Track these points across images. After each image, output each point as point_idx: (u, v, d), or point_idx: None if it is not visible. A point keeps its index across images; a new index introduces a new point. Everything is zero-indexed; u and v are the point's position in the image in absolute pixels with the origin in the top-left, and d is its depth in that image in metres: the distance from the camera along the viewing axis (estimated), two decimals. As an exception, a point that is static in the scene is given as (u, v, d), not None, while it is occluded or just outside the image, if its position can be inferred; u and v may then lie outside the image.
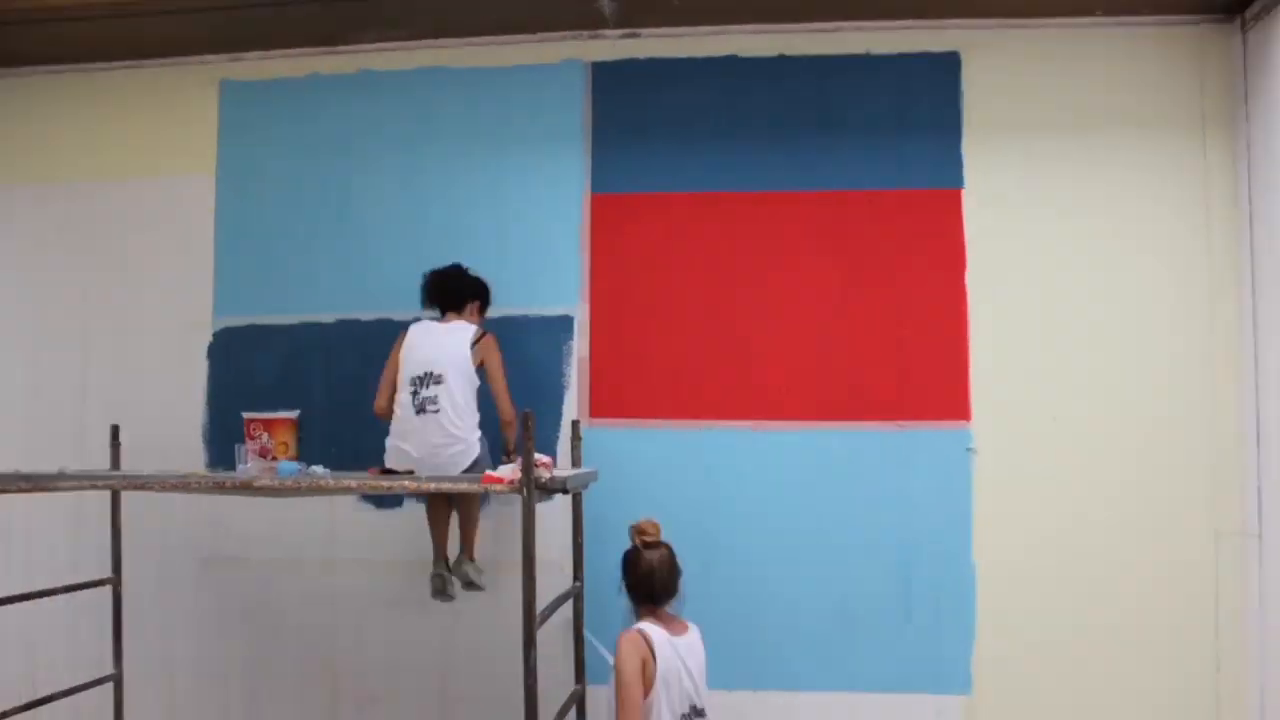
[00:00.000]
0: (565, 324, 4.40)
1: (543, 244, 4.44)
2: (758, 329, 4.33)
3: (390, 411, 3.88)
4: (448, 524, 4.12)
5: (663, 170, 4.42)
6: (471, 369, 3.85)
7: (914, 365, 4.25)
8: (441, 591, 4.07)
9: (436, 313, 4.08)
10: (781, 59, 4.40)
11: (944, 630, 4.13)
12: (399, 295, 4.45)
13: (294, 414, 3.82)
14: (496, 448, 3.98)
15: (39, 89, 4.77)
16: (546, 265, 4.43)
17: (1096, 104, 4.26)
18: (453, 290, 4.05)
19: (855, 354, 4.28)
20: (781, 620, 4.21)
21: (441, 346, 3.85)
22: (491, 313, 4.39)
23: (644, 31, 4.44)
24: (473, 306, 4.09)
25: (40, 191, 4.75)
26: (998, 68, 4.30)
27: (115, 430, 4.16)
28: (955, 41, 4.32)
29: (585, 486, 4.05)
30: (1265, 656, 3.94)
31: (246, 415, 3.80)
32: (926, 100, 4.33)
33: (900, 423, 4.23)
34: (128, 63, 4.70)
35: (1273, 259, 3.94)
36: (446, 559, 4.11)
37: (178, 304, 4.60)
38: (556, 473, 3.52)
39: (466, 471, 3.71)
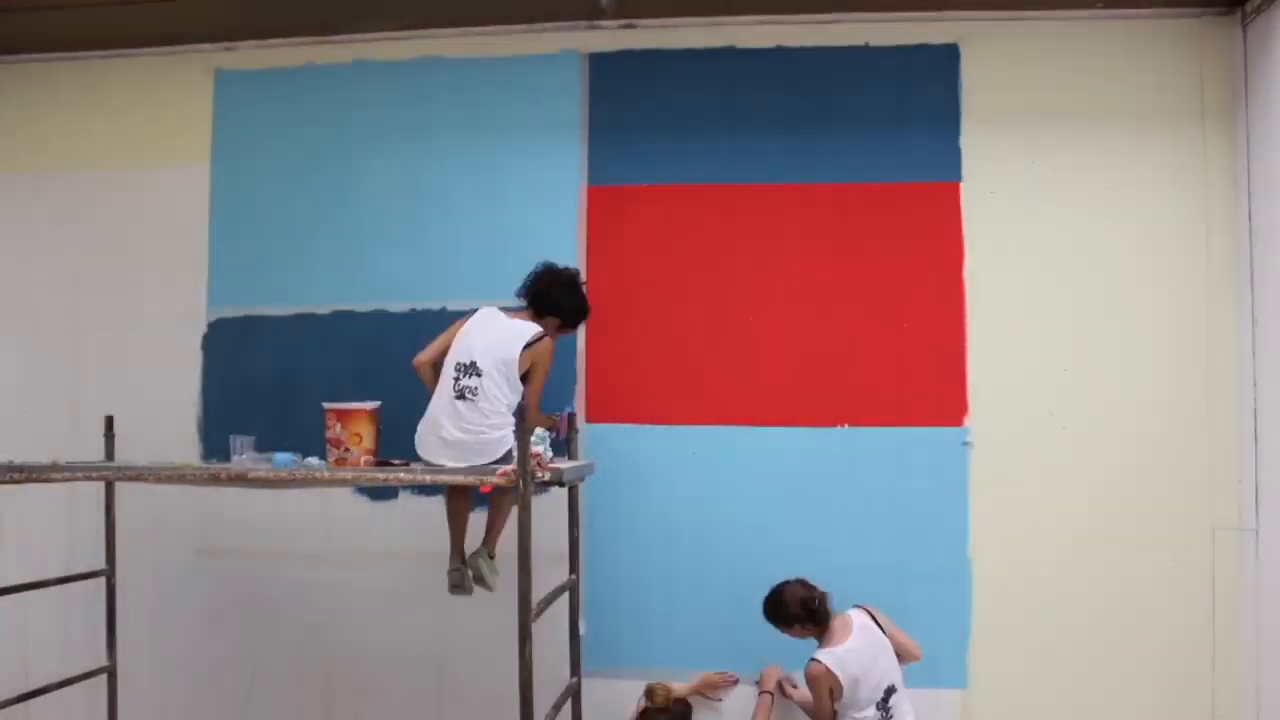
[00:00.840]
0: None
1: (540, 235, 4.41)
2: (755, 321, 4.31)
3: (428, 367, 3.80)
4: (466, 517, 4.01)
5: (660, 162, 4.40)
6: (515, 375, 3.70)
7: (911, 359, 4.24)
8: (459, 586, 3.94)
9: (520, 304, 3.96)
10: (780, 50, 4.38)
11: (940, 625, 4.13)
12: (394, 286, 4.45)
13: (372, 405, 3.69)
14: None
15: (32, 78, 4.74)
16: (543, 257, 4.37)
17: (1096, 97, 4.25)
18: (542, 295, 3.90)
19: (852, 347, 4.27)
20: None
21: (492, 344, 3.72)
22: (487, 304, 4.37)
23: (641, 22, 4.42)
24: (552, 321, 3.90)
25: (33, 181, 4.71)
26: (997, 60, 4.28)
27: (110, 421, 4.14)
28: (954, 33, 4.31)
29: (582, 479, 4.04)
30: (1261, 651, 3.94)
31: (326, 405, 3.70)
32: (925, 92, 4.31)
33: (897, 416, 4.22)
34: (121, 51, 4.66)
35: (1271, 253, 3.93)
36: (464, 553, 3.99)
37: (172, 295, 4.58)
38: (552, 465, 3.51)
39: (499, 460, 3.60)
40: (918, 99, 4.31)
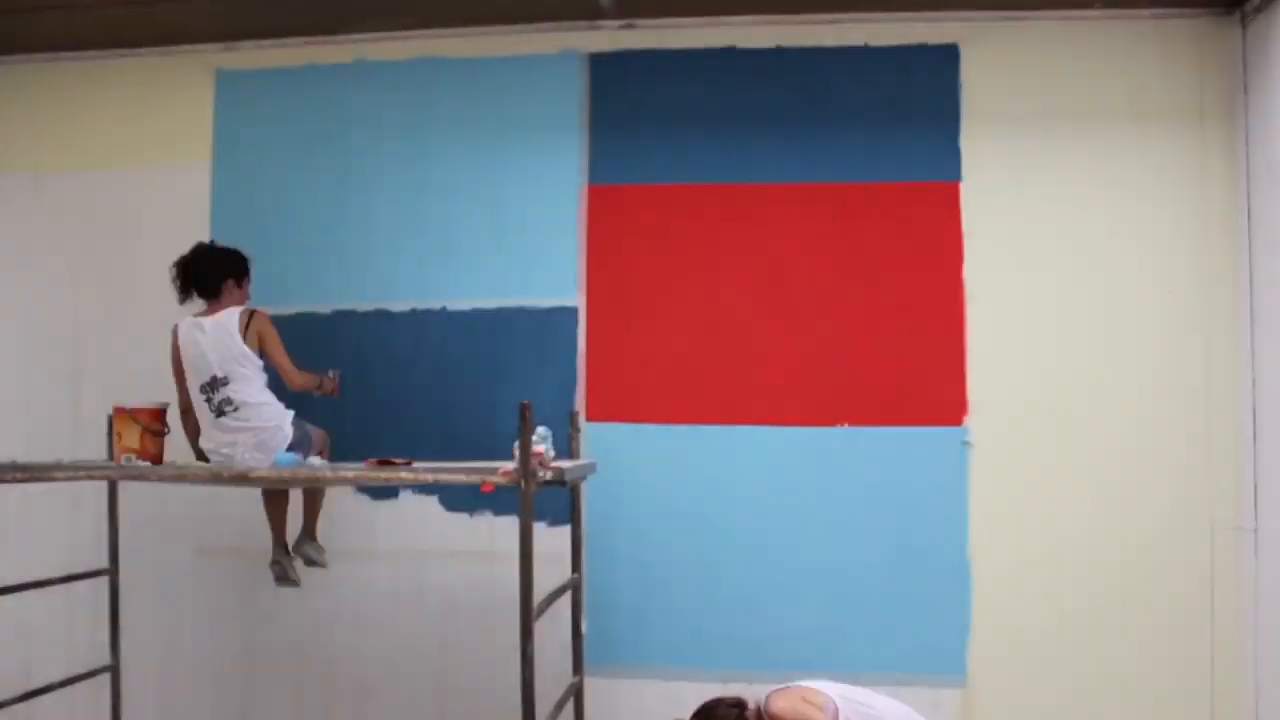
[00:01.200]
0: (568, 316, 4.39)
1: (540, 235, 4.43)
2: (755, 320, 4.32)
3: (192, 409, 3.78)
4: (285, 513, 4.08)
5: (660, 162, 4.41)
6: (252, 356, 3.69)
7: (911, 359, 4.25)
8: (284, 578, 4.03)
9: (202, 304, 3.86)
10: (779, 50, 4.38)
11: (940, 622, 4.14)
12: (396, 286, 4.46)
13: (136, 405, 3.69)
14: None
15: (33, 76, 4.74)
16: (544, 257, 4.42)
17: (1095, 97, 4.25)
18: (203, 275, 3.81)
19: (852, 347, 4.28)
20: (780, 613, 4.22)
21: (214, 346, 3.67)
22: (488, 303, 4.39)
23: (641, 22, 4.43)
24: (229, 285, 3.83)
25: (34, 180, 4.72)
26: (996, 60, 4.29)
27: (112, 419, 4.14)
28: (954, 34, 4.31)
29: (584, 478, 4.05)
30: (1259, 650, 3.95)
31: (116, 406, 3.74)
32: (925, 92, 4.32)
33: (897, 415, 4.23)
34: (122, 51, 4.67)
35: (1271, 253, 3.94)
36: (286, 544, 4.07)
37: (173, 294, 4.56)
38: (555, 464, 3.51)
39: (290, 451, 3.64)
40: (917, 99, 4.32)
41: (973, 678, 4.13)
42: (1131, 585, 4.10)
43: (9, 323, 4.70)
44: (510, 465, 3.30)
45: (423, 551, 4.19)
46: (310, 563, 4.07)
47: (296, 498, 4.10)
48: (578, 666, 4.07)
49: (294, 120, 4.59)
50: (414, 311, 4.45)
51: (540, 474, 3.32)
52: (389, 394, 4.39)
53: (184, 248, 4.52)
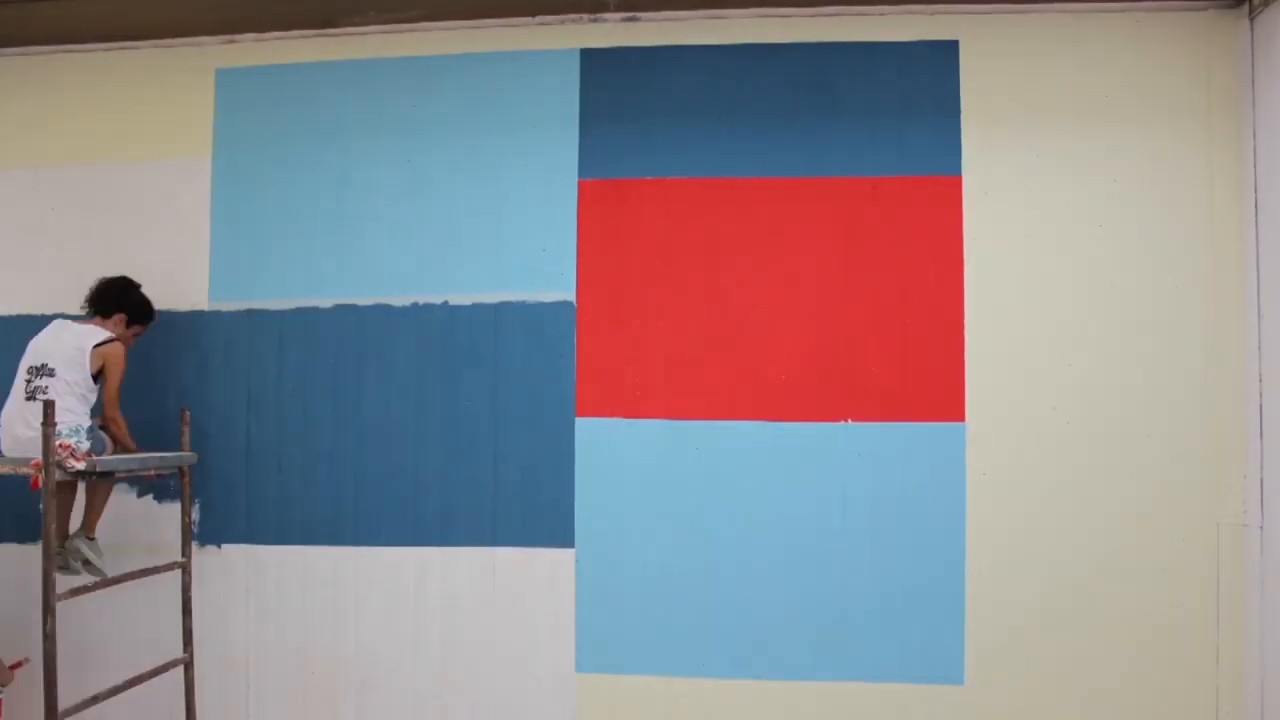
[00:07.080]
0: (567, 310, 4.37)
1: (541, 229, 4.40)
2: (755, 315, 4.30)
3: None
4: (69, 506, 4.23)
5: (660, 156, 4.38)
6: (87, 370, 4.03)
7: (912, 354, 4.22)
8: (64, 566, 4.12)
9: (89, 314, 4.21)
10: (780, 45, 4.36)
11: (939, 621, 4.12)
12: (396, 280, 4.45)
13: None
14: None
15: (32, 71, 4.74)
16: (544, 251, 4.40)
17: (1098, 91, 4.22)
18: (107, 298, 4.25)
19: (852, 341, 4.25)
20: (779, 612, 4.20)
21: (61, 343, 4.05)
22: (488, 297, 4.38)
23: (643, 16, 4.40)
24: (119, 318, 4.24)
25: (32, 175, 4.71)
26: (997, 55, 4.26)
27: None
28: (955, 28, 4.28)
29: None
30: (1265, 648, 3.93)
31: None
32: (926, 87, 4.28)
33: (899, 411, 4.21)
34: (123, 44, 4.67)
35: (1276, 248, 3.90)
36: (66, 536, 4.19)
37: (173, 289, 4.57)
38: (88, 456, 3.77)
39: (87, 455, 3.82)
40: (919, 93, 4.28)
41: (971, 677, 4.11)
42: (1134, 583, 4.07)
43: (6, 319, 4.70)
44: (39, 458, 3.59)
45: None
46: (85, 562, 4.16)
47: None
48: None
49: (294, 113, 4.58)
50: (415, 305, 4.44)
51: (70, 465, 3.68)
52: (390, 387, 4.39)
53: (185, 243, 4.58)
